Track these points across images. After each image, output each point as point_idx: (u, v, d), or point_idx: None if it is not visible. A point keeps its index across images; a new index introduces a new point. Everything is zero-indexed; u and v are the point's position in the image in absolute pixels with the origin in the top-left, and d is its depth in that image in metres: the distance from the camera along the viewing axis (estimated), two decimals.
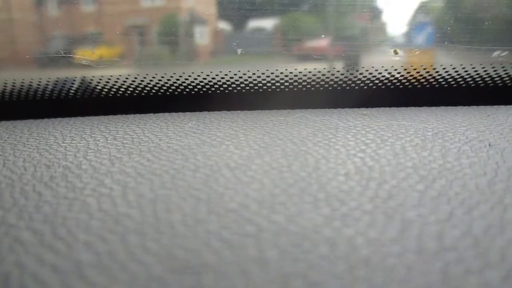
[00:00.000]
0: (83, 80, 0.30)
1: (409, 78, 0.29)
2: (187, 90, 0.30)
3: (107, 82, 0.29)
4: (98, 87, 0.30)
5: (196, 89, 0.30)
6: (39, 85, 0.30)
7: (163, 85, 0.29)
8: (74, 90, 0.30)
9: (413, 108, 0.28)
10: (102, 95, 0.30)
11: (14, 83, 0.30)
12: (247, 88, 0.29)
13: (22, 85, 0.30)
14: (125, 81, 0.29)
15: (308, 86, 0.29)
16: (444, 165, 0.19)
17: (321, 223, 0.15)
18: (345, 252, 0.14)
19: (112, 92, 0.30)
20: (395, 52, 0.28)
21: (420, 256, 0.14)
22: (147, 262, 0.14)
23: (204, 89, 0.30)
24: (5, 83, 0.30)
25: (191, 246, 0.14)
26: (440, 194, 0.17)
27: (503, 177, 0.18)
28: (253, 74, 0.28)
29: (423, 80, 0.29)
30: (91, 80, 0.30)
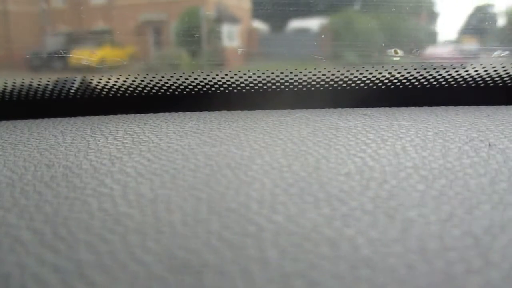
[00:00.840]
0: (83, 80, 0.29)
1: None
2: (187, 90, 0.30)
3: (108, 81, 0.29)
4: (98, 87, 0.30)
5: (196, 89, 0.30)
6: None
7: (163, 85, 0.29)
8: (74, 90, 0.30)
9: (413, 108, 0.28)
10: (102, 95, 0.30)
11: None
12: (247, 88, 0.29)
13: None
14: (125, 81, 0.29)
15: (308, 86, 0.29)
16: (444, 165, 0.19)
17: (321, 223, 0.15)
18: (346, 252, 0.14)
19: (112, 92, 0.30)
20: (395, 52, 0.28)
21: (421, 256, 0.14)
22: (148, 262, 0.14)
23: (204, 89, 0.30)
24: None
25: (192, 246, 0.14)
26: (441, 194, 0.17)
27: (503, 177, 0.18)
28: (253, 74, 0.28)
29: (423, 81, 0.29)
30: (91, 80, 0.29)
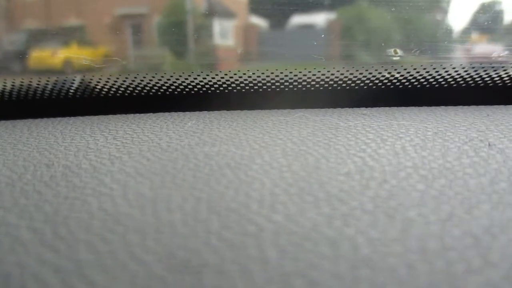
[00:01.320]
0: (82, 79, 0.29)
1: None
2: (187, 90, 0.30)
3: (107, 81, 0.29)
4: (98, 86, 0.30)
5: (196, 89, 0.30)
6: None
7: (163, 85, 0.29)
8: (73, 89, 0.30)
9: (413, 108, 0.28)
10: (102, 95, 0.30)
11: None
12: (247, 88, 0.29)
13: None
14: (124, 81, 0.29)
15: (308, 86, 0.29)
16: (444, 165, 0.19)
17: (321, 223, 0.15)
18: (346, 251, 0.14)
19: (112, 92, 0.30)
20: (395, 52, 0.28)
21: (421, 256, 0.14)
22: (148, 262, 0.14)
23: (204, 89, 0.30)
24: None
25: (192, 246, 0.14)
26: (441, 194, 0.17)
27: (503, 177, 0.18)
28: (253, 74, 0.28)
29: (423, 80, 0.29)
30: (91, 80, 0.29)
